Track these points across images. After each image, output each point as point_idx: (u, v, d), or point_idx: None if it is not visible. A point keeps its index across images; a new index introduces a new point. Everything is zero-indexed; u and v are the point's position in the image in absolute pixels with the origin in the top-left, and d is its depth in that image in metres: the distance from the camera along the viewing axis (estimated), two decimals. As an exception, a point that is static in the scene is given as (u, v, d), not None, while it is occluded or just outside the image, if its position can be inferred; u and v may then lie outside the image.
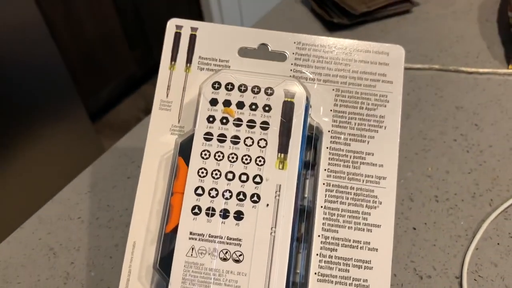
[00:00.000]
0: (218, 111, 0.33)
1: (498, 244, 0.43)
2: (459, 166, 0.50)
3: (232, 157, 0.32)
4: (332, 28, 0.72)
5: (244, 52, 0.36)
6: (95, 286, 0.41)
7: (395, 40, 0.57)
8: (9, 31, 0.92)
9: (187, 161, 0.33)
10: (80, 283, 0.42)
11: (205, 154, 0.32)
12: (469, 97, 0.58)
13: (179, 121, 0.36)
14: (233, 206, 0.31)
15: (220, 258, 0.30)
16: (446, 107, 0.57)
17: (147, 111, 1.66)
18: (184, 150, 0.33)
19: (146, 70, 1.81)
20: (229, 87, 0.34)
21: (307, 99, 0.33)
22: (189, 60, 0.36)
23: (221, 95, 0.33)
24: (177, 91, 0.36)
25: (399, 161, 0.48)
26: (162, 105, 0.36)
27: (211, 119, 0.33)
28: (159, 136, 0.36)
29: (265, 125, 0.33)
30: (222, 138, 0.33)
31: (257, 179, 0.32)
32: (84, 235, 0.45)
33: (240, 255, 0.30)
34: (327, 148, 0.35)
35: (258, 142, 0.32)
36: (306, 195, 0.33)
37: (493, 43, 0.65)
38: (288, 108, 0.33)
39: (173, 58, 0.36)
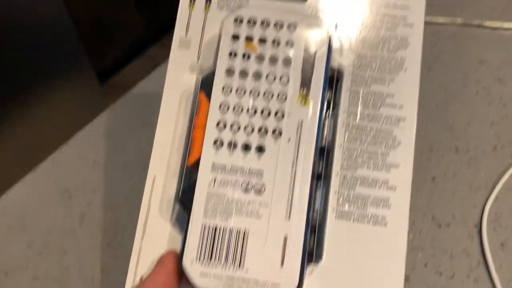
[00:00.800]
0: (240, 47, 0.33)
1: (519, 195, 0.43)
2: (480, 119, 0.50)
3: (254, 92, 0.33)
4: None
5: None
6: (112, 226, 0.42)
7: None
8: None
9: (208, 96, 0.33)
10: (97, 223, 0.43)
11: (227, 89, 0.33)
12: (492, 52, 0.58)
13: (198, 60, 0.36)
14: (254, 140, 0.32)
15: (242, 190, 0.31)
16: (469, 61, 0.57)
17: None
18: (206, 85, 0.33)
19: (154, 32, 1.80)
20: (251, 22, 0.34)
21: (330, 38, 0.33)
22: (208, -1, 0.36)
23: (243, 30, 0.34)
24: (197, 30, 0.37)
25: (419, 112, 0.49)
26: (181, 44, 0.37)
27: (233, 54, 0.33)
28: (178, 74, 0.36)
29: (287, 61, 0.33)
30: (244, 74, 0.33)
31: (279, 114, 0.32)
32: (100, 178, 0.45)
33: (262, 187, 0.31)
34: (348, 89, 0.35)
35: (280, 78, 0.33)
36: (325, 135, 0.34)
37: (519, -3, 0.64)
38: (311, 45, 0.33)
39: (193, -4, 0.36)
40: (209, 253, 0.30)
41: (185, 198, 0.31)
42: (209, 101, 0.33)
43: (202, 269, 0.30)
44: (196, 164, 0.32)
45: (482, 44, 0.59)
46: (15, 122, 0.94)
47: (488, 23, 0.61)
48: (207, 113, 0.33)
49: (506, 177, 0.44)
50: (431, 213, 0.42)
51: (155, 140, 0.35)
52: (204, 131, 0.32)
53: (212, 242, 0.30)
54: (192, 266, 0.30)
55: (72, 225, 0.43)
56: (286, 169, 0.31)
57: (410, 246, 0.41)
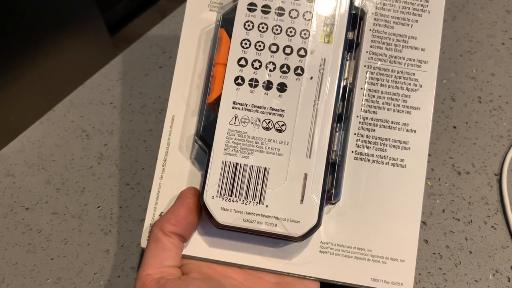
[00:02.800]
0: (263, -18, 0.33)
1: (541, 145, 0.43)
2: (505, 69, 0.49)
3: (277, 29, 0.33)
4: None
5: None
6: (129, 166, 0.43)
7: None
8: None
9: (229, 33, 0.33)
10: (114, 163, 0.44)
11: (249, 25, 0.33)
12: (521, 1, 0.57)
13: (218, -3, 0.36)
14: (276, 78, 0.32)
15: (263, 127, 0.32)
16: (496, 11, 0.56)
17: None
18: (226, 21, 0.33)
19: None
20: (275, -43, 0.33)
21: None
22: None
23: None
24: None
25: (443, 62, 0.48)
26: (200, -19, 0.37)
27: (255, -10, 0.33)
28: (197, 12, 0.36)
29: None
30: (266, 10, 0.33)
31: (302, 52, 0.32)
32: (117, 119, 0.46)
33: (283, 125, 0.32)
34: (370, 30, 0.35)
35: (303, 15, 0.33)
36: (346, 76, 0.34)
37: None
38: (335, -18, 0.33)
39: None
40: (230, 189, 0.31)
41: (205, 135, 0.32)
42: (230, 37, 0.33)
43: (222, 204, 0.31)
44: (217, 102, 0.32)
45: (511, -7, 0.58)
46: (30, 67, 0.97)
47: (518, -29, 0.59)
48: (228, 50, 0.33)
49: (529, 127, 0.44)
50: (451, 161, 0.43)
51: (174, 78, 0.35)
52: (225, 68, 0.33)
53: (232, 178, 0.31)
54: (212, 201, 0.31)
55: (90, 164, 0.44)
56: (307, 108, 0.32)
57: (429, 193, 0.41)
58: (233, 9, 0.33)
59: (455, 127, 0.45)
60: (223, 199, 0.31)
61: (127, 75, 0.50)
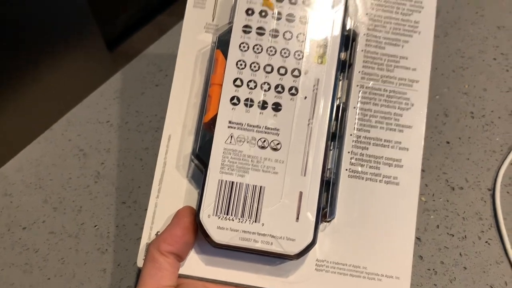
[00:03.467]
0: (257, 4, 0.34)
1: (533, 160, 0.44)
2: (497, 84, 0.50)
3: (271, 50, 0.33)
4: None
5: None
6: (126, 185, 0.44)
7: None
8: None
9: (225, 54, 0.34)
10: (111, 182, 0.44)
11: (244, 47, 0.33)
12: (512, 17, 0.58)
13: (213, 19, 0.37)
14: (271, 97, 0.33)
15: (258, 146, 0.32)
16: (487, 26, 0.57)
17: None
18: (222, 43, 0.34)
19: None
20: (269, -20, 0.34)
21: None
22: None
23: None
24: (212, -11, 0.37)
25: (435, 77, 0.49)
26: (196, 3, 0.37)
27: (249, 12, 0.34)
28: (193, 34, 0.37)
29: (304, 19, 0.34)
30: (261, 31, 0.33)
31: (296, 73, 0.33)
32: (114, 138, 0.47)
33: (278, 144, 0.32)
34: (362, 51, 0.36)
35: (297, 36, 0.33)
36: (339, 95, 0.35)
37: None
38: (327, 4, 0.34)
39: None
40: (226, 207, 0.32)
41: (202, 154, 0.32)
42: (226, 58, 0.34)
43: (218, 223, 0.31)
44: (213, 121, 0.33)
45: (502, 8, 0.59)
46: (28, 85, 0.97)
47: (508, -13, 0.60)
48: (224, 70, 0.34)
49: (521, 142, 0.45)
50: (444, 176, 0.43)
51: (170, 98, 0.36)
52: (221, 88, 0.33)
53: (228, 197, 0.32)
54: (209, 220, 0.31)
55: (87, 183, 0.44)
56: (302, 127, 0.32)
57: (423, 208, 0.42)
58: (229, 31, 0.34)
59: (448, 143, 0.46)
60: (219, 217, 0.32)
61: (124, 93, 0.50)
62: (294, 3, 0.34)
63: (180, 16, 0.38)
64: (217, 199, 0.32)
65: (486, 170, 0.44)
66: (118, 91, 0.50)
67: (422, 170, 0.43)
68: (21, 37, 0.89)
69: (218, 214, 0.32)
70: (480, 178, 0.43)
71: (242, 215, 0.32)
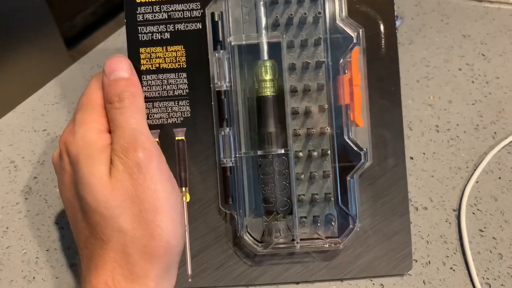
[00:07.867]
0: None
1: (500, 178, 0.41)
2: (462, 96, 0.47)
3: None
4: None
5: None
6: (59, 202, 0.39)
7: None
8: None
9: None
10: (44, 198, 0.39)
11: None
12: (477, 26, 0.55)
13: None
14: None
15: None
16: (453, 35, 0.54)
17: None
18: None
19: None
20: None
21: None
22: None
23: None
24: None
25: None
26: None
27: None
28: None
29: None
30: None
31: None
32: (50, 149, 0.42)
33: None
34: None
35: None
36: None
37: (507, -31, 0.61)
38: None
39: None
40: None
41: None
42: None
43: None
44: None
45: (467, 17, 0.56)
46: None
47: (473, -5, 0.58)
48: None
49: (488, 159, 0.42)
50: (408, 195, 0.40)
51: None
52: None
53: None
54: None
55: (16, 200, 0.39)
56: None
57: (385, 231, 0.38)
58: None
59: (412, 158, 0.42)
60: None
61: (64, 98, 0.45)
62: None
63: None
64: None
65: (452, 188, 0.40)
66: (58, 96, 0.45)
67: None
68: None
69: None
70: (445, 197, 0.40)
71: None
